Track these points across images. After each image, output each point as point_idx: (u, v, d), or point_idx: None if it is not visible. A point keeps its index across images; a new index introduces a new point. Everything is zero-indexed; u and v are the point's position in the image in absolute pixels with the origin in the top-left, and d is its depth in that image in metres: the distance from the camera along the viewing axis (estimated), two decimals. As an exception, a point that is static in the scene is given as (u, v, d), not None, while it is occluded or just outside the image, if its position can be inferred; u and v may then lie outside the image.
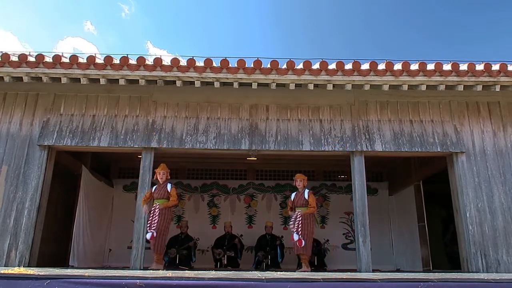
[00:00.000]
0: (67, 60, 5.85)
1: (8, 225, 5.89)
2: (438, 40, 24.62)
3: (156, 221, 5.75)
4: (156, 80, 6.07)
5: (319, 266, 8.17)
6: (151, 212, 5.85)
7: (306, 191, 6.32)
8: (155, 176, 6.17)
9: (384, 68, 5.91)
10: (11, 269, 3.87)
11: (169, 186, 6.06)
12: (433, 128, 6.49)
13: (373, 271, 5.93)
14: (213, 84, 6.06)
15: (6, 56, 5.80)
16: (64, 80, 5.97)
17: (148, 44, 28.59)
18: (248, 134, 6.41)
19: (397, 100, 6.63)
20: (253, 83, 6.03)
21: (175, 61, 5.90)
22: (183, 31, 29.01)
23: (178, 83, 6.06)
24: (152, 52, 29.29)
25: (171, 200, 5.97)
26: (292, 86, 6.08)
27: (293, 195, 6.48)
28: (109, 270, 4.76)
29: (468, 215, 6.05)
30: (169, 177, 6.21)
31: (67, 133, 6.31)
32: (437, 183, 7.76)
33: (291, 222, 6.16)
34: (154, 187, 6.10)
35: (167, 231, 6.01)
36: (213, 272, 4.05)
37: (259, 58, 5.86)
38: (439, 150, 6.34)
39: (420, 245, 8.06)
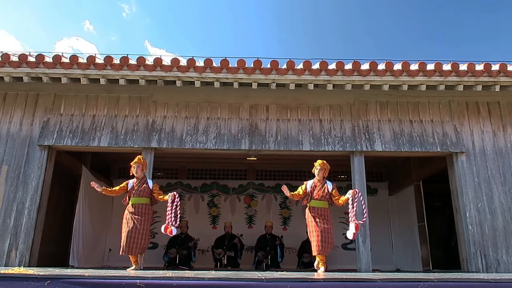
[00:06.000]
0: (67, 60, 5.86)
1: (8, 225, 5.90)
2: (438, 40, 24.61)
3: (179, 214, 5.05)
4: (156, 80, 6.07)
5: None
6: (175, 200, 5.07)
7: (329, 183, 5.31)
8: (130, 171, 5.46)
9: (384, 68, 5.92)
10: (11, 269, 3.88)
11: (150, 182, 5.39)
12: (433, 128, 6.49)
13: (373, 271, 5.94)
14: (213, 84, 6.06)
15: (6, 56, 5.81)
16: (64, 80, 5.98)
17: (146, 44, 28.56)
18: (248, 134, 6.41)
19: (397, 100, 6.63)
20: (253, 83, 6.04)
21: (175, 61, 5.90)
22: (183, 31, 29.00)
23: (178, 83, 6.07)
24: (150, 52, 29.27)
25: (160, 198, 5.28)
26: (292, 86, 6.09)
27: (308, 184, 5.31)
28: (109, 270, 4.75)
29: (468, 215, 6.05)
30: (145, 170, 5.51)
31: (67, 133, 6.31)
32: (437, 183, 7.76)
33: (350, 205, 4.93)
34: (131, 182, 5.39)
35: (149, 232, 5.37)
36: (213, 272, 4.05)
37: (259, 58, 5.87)
38: (439, 150, 6.34)
39: (420, 245, 8.06)
